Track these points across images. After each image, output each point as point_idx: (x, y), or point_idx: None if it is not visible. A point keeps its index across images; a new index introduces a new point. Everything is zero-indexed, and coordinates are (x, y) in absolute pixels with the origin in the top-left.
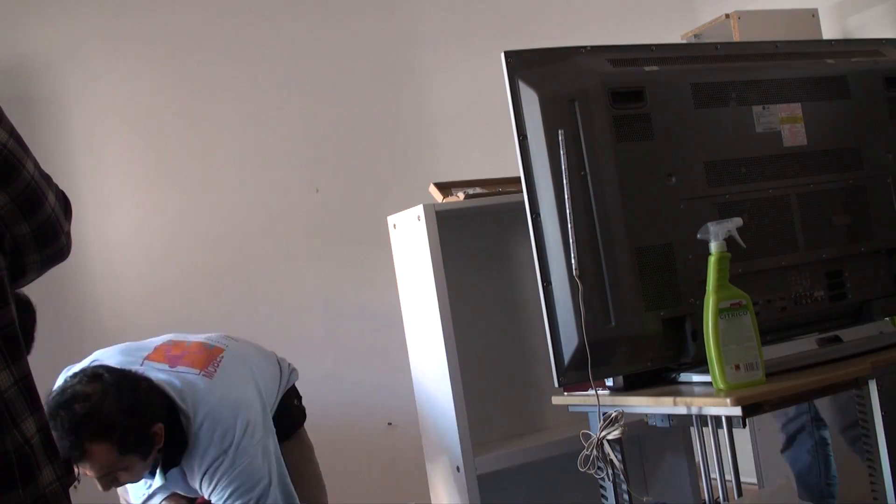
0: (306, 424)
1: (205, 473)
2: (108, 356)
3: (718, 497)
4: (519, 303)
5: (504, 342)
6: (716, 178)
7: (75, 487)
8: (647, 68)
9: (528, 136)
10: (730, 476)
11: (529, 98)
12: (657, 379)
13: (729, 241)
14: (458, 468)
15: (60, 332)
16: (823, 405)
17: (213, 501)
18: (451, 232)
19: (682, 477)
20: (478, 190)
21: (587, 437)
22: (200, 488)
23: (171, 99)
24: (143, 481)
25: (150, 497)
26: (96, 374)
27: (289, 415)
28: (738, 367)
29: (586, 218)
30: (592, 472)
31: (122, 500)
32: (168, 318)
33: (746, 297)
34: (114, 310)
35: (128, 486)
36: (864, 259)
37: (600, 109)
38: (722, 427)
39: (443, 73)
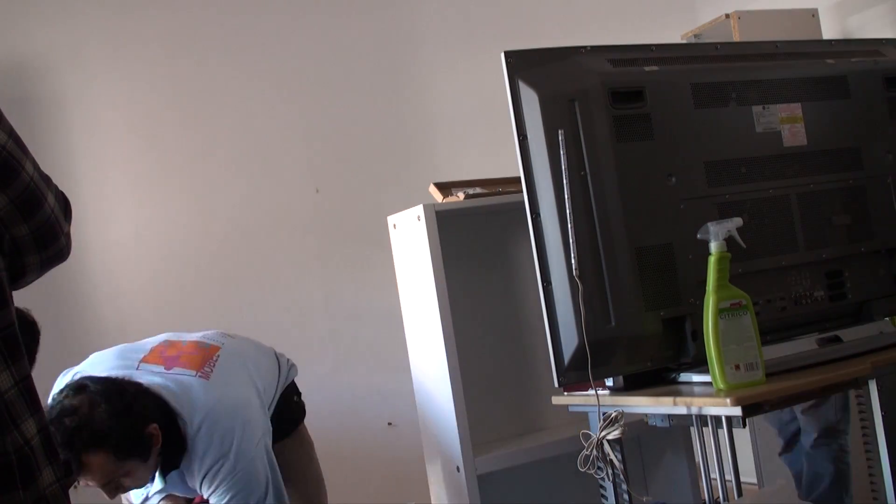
0: (306, 422)
1: (205, 476)
2: (104, 358)
3: (718, 497)
4: (519, 303)
5: (504, 342)
6: (716, 178)
7: (75, 488)
8: (647, 68)
9: (528, 136)
10: (730, 476)
11: (529, 98)
12: (657, 379)
13: (729, 241)
14: (458, 468)
15: (60, 332)
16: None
17: (212, 503)
18: (451, 232)
19: (682, 477)
20: (478, 190)
21: (587, 437)
22: (200, 489)
23: (171, 99)
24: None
25: (147, 499)
26: (81, 386)
27: (288, 411)
28: (738, 367)
29: (586, 218)
30: (592, 472)
31: (124, 500)
32: (168, 319)
33: (746, 297)
34: (113, 310)
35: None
36: (864, 259)
37: (600, 109)
38: (722, 427)
39: (443, 73)
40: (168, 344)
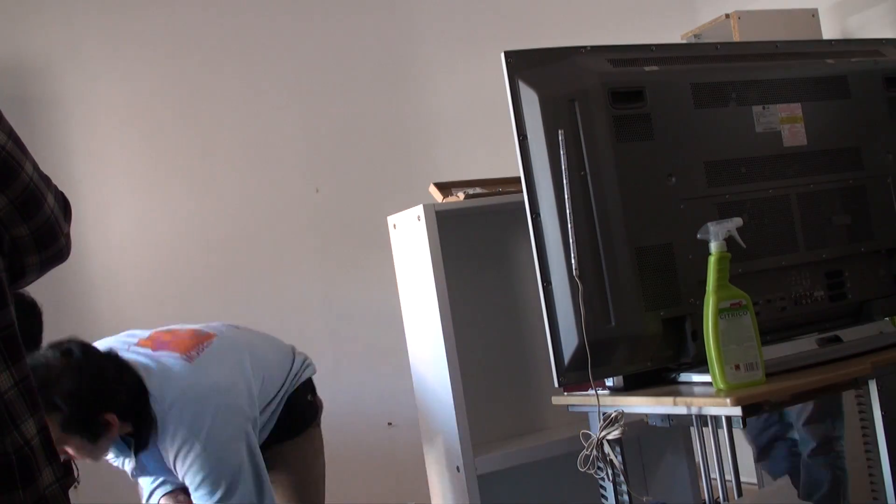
0: None
1: (177, 455)
2: (110, 338)
3: (718, 497)
4: (519, 303)
5: (504, 342)
6: (716, 178)
7: (75, 489)
8: (647, 68)
9: (528, 136)
10: (730, 476)
11: (529, 98)
12: (657, 379)
13: (729, 241)
14: (458, 468)
15: (61, 332)
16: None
17: (187, 482)
18: (451, 232)
19: (682, 477)
20: (478, 190)
21: (587, 437)
22: (175, 469)
23: (171, 99)
24: (123, 459)
25: (151, 494)
26: (68, 350)
27: (298, 410)
28: (738, 367)
29: (586, 218)
30: (592, 472)
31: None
32: (167, 319)
33: (746, 297)
34: (113, 310)
35: (139, 480)
36: (864, 259)
37: (600, 109)
38: (722, 427)
39: (443, 73)
40: (168, 330)
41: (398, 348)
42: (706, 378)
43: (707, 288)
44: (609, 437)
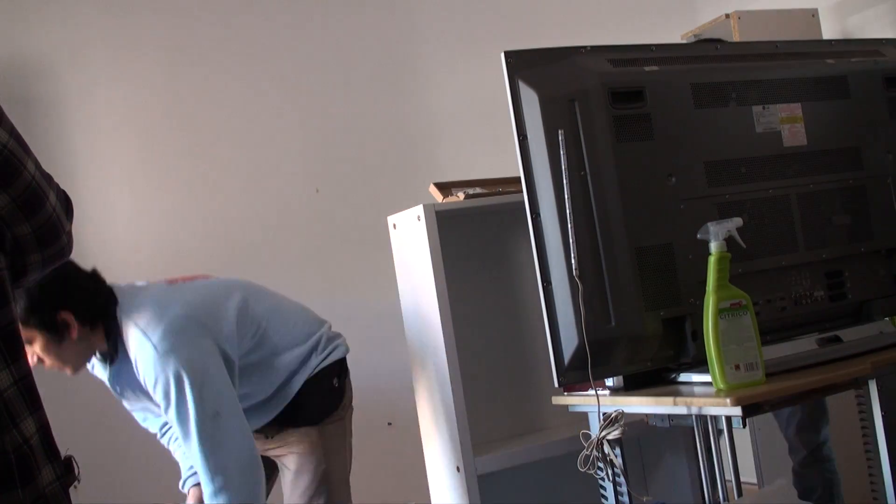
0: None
1: (136, 361)
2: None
3: (718, 497)
4: (519, 303)
5: (504, 342)
6: (716, 178)
7: (75, 487)
8: (647, 68)
9: (528, 136)
10: (730, 476)
11: (529, 98)
12: (657, 379)
13: (729, 241)
14: (458, 468)
15: None
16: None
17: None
18: (451, 232)
19: (682, 477)
20: (478, 190)
21: (587, 437)
22: (144, 384)
23: (171, 99)
24: (113, 386)
25: (185, 482)
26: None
27: (318, 393)
28: (738, 367)
29: (586, 218)
30: (592, 472)
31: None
32: None
33: (746, 297)
34: None
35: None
36: (864, 259)
37: (600, 109)
38: (722, 427)
39: (443, 73)
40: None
41: (398, 348)
42: (706, 378)
43: (707, 288)
44: (609, 437)
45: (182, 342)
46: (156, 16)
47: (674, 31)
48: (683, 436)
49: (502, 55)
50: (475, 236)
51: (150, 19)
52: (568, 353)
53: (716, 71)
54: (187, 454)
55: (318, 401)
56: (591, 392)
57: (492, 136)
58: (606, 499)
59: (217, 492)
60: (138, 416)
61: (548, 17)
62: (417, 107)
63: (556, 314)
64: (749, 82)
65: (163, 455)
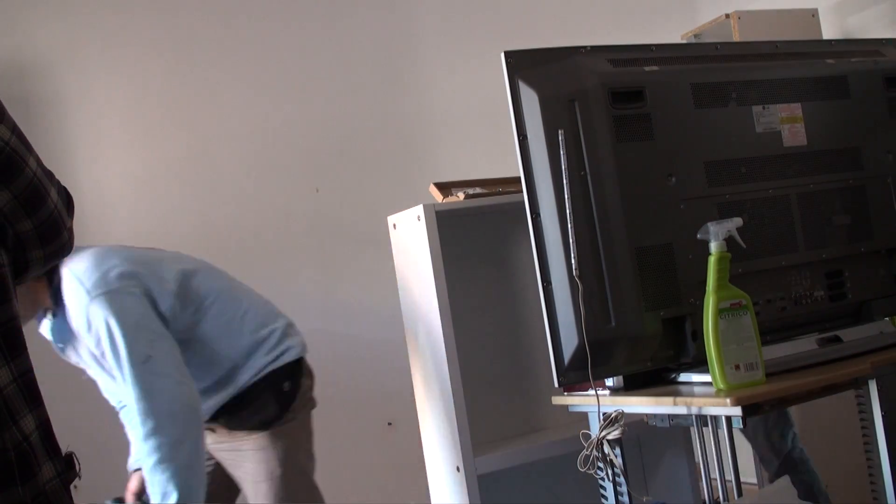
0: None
1: (68, 314)
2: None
3: (718, 497)
4: (519, 303)
5: (504, 342)
6: (716, 178)
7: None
8: (647, 68)
9: (528, 136)
10: (730, 476)
11: (529, 98)
12: (657, 379)
13: (729, 241)
14: (458, 468)
15: None
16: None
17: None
18: (451, 232)
19: (682, 477)
20: (478, 190)
21: (587, 437)
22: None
23: (171, 99)
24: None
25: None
26: None
27: (266, 396)
28: (738, 367)
29: (586, 218)
30: (592, 472)
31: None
32: None
33: (746, 297)
34: None
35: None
36: (864, 259)
37: (600, 109)
38: (722, 427)
39: (443, 73)
40: None
41: (398, 348)
42: (706, 378)
43: (707, 288)
44: (609, 437)
45: (115, 289)
46: (155, 16)
47: (674, 31)
48: (683, 436)
49: (502, 55)
50: (475, 236)
51: (149, 19)
52: (568, 353)
53: (716, 71)
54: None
55: (266, 405)
56: (591, 392)
57: (492, 136)
58: (606, 499)
59: (147, 436)
60: (100, 386)
61: (548, 17)
62: (418, 107)
63: (556, 314)
64: (749, 82)
65: None
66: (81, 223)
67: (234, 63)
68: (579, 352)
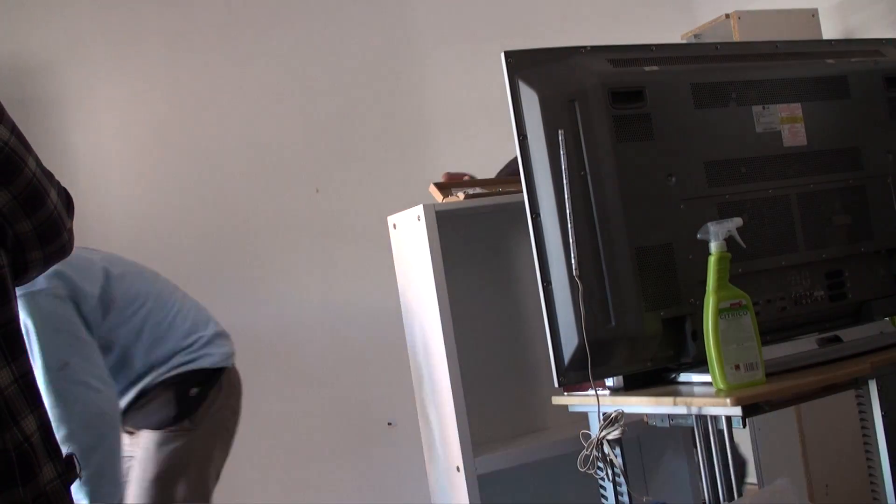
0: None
1: None
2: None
3: (718, 497)
4: (519, 303)
5: (504, 342)
6: (716, 178)
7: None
8: (647, 68)
9: (528, 136)
10: (730, 476)
11: (529, 98)
12: (657, 379)
13: (729, 241)
14: (458, 468)
15: None
16: None
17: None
18: (451, 232)
19: (682, 477)
20: (478, 190)
21: (587, 437)
22: None
23: (171, 99)
24: None
25: None
26: None
27: (165, 396)
28: (738, 367)
29: (586, 218)
30: (592, 472)
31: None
32: None
33: (746, 297)
34: None
35: None
36: (864, 259)
37: (600, 109)
38: (722, 427)
39: (443, 73)
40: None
41: (398, 348)
42: (706, 378)
43: (707, 288)
44: (609, 437)
45: (39, 290)
46: (155, 16)
47: (674, 31)
48: (683, 436)
49: (502, 55)
50: (475, 236)
51: (149, 19)
52: (568, 353)
53: (716, 71)
54: None
55: (166, 405)
56: (591, 392)
57: (492, 136)
58: (606, 499)
59: (60, 442)
60: None
61: (548, 17)
62: (418, 107)
63: (555, 314)
64: (749, 82)
65: None
66: (81, 223)
67: (233, 63)
68: (579, 352)
